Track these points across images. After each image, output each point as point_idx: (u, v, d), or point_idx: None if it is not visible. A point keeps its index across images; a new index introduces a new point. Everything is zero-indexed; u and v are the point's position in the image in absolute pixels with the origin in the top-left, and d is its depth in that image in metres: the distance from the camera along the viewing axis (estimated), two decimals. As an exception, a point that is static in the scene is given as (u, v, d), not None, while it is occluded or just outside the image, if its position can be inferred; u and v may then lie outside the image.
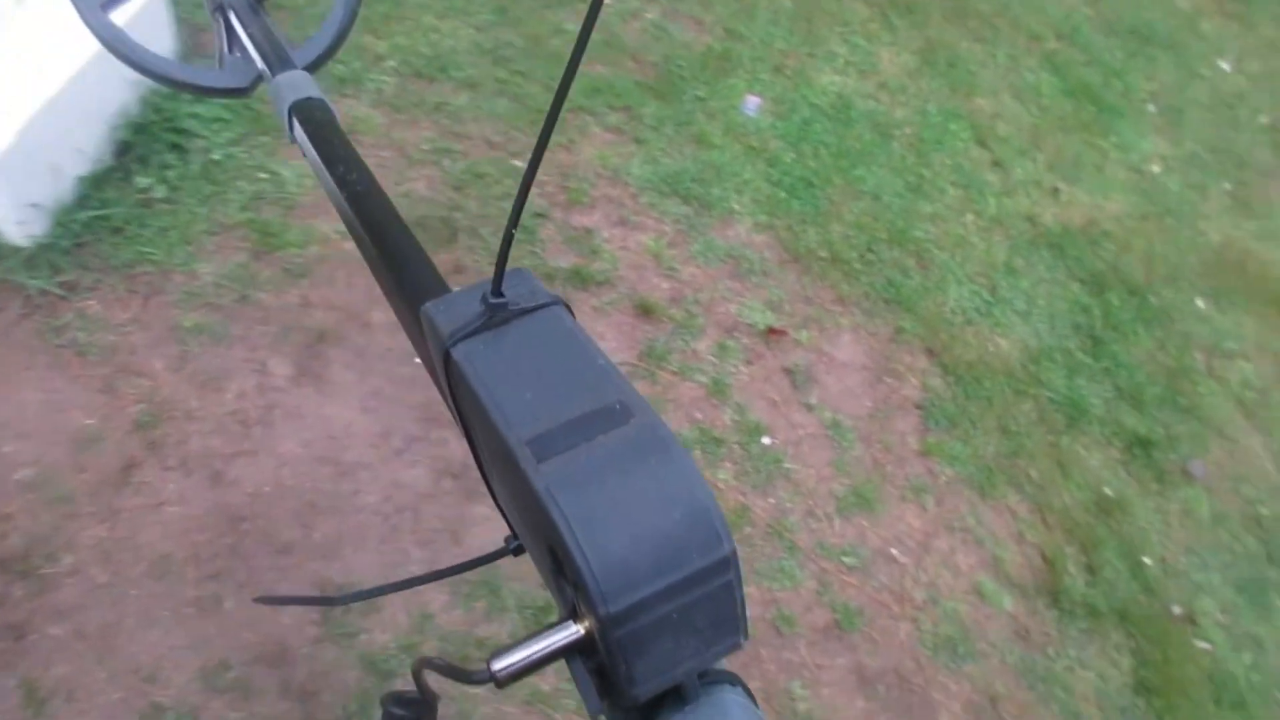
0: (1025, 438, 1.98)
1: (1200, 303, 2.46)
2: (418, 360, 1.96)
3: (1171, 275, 2.50)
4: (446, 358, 0.34)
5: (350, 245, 2.07)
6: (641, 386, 1.88)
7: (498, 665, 0.29)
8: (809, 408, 1.93)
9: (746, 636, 0.30)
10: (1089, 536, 1.86)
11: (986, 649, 1.65)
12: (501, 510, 0.39)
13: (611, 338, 1.94)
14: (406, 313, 0.42)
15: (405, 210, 2.20)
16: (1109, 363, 2.19)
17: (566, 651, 0.29)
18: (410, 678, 0.37)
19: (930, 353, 2.10)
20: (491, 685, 0.29)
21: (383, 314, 1.87)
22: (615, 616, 0.27)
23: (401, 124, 2.21)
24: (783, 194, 2.31)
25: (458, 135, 2.22)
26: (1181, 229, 2.67)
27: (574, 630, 0.29)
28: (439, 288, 0.42)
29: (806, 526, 1.75)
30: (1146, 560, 1.86)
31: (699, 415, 1.88)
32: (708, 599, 0.28)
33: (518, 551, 0.40)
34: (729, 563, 0.29)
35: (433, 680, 0.36)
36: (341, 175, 0.48)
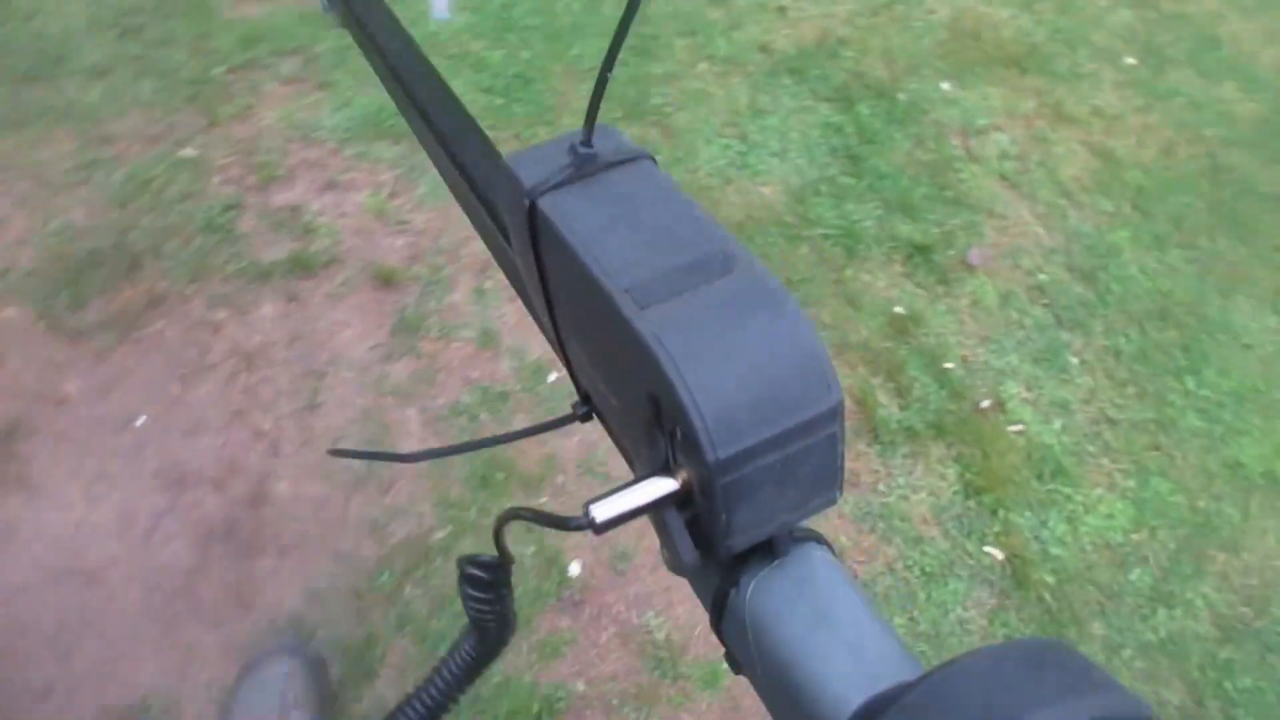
0: (810, 284, 1.95)
1: (945, 85, 2.46)
2: (139, 422, 1.79)
3: (912, 66, 2.48)
4: (532, 210, 0.33)
5: (4, 313, 1.78)
6: (406, 365, 1.71)
7: (597, 512, 0.29)
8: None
9: (841, 492, 0.30)
10: (891, 361, 1.87)
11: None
12: (574, 376, 0.39)
13: (356, 322, 1.75)
14: (463, 184, 0.42)
15: (68, 246, 1.89)
16: (872, 178, 2.16)
17: (664, 502, 0.29)
18: (492, 537, 0.36)
19: (698, 225, 2.01)
20: (592, 533, 0.29)
21: (79, 381, 1.60)
22: (723, 463, 0.27)
23: (28, 144, 1.85)
24: (500, 100, 2.11)
25: (103, 139, 1.89)
26: (912, 14, 2.64)
27: (671, 483, 0.29)
28: (493, 154, 0.42)
29: (618, 459, 1.67)
30: (949, 365, 1.89)
31: (475, 374, 1.73)
32: (812, 450, 0.28)
33: (585, 418, 0.39)
34: (836, 413, 0.28)
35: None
36: (383, 44, 0.48)
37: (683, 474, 0.29)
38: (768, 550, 0.30)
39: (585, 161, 0.33)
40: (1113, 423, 1.86)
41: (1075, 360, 1.93)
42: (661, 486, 0.29)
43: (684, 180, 2.04)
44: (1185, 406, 1.89)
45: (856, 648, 0.27)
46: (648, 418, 0.30)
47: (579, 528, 0.29)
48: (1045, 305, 2.01)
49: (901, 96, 2.38)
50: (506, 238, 0.38)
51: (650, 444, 0.30)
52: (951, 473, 1.75)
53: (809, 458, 0.28)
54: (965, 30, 2.62)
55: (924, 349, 1.90)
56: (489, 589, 0.37)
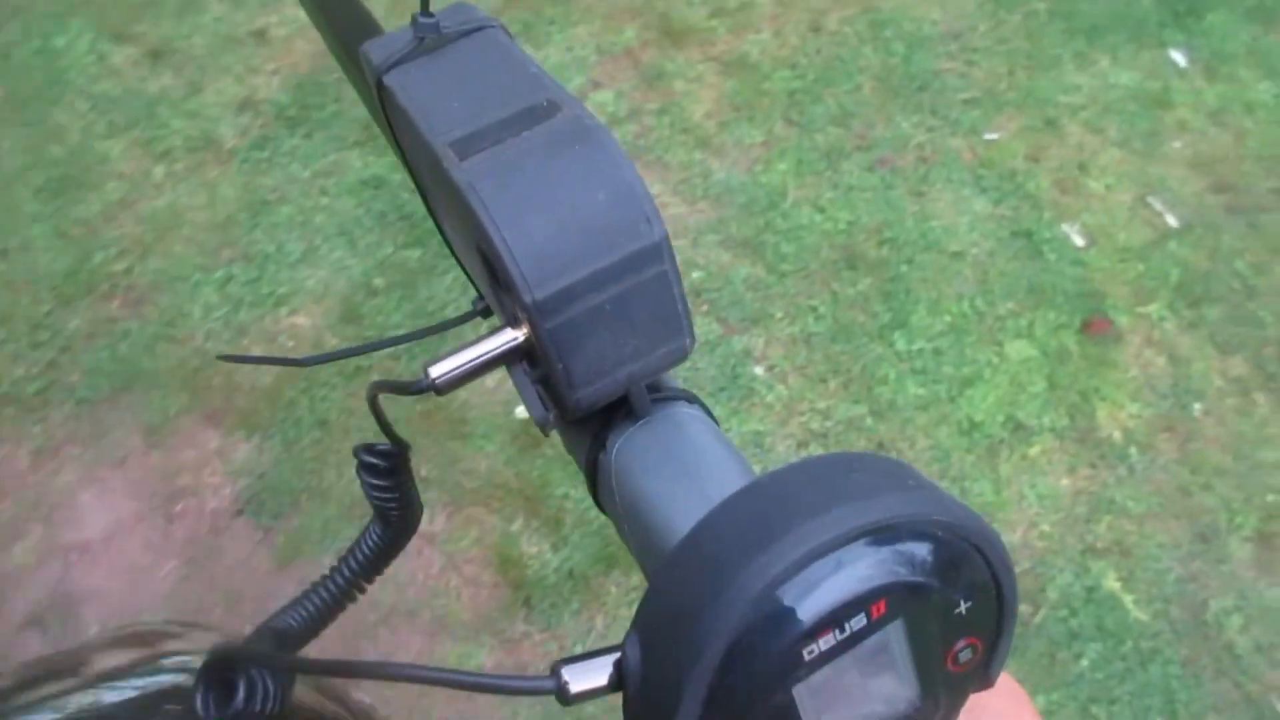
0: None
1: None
2: None
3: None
4: (379, 87, 0.34)
5: None
6: None
7: (436, 372, 0.29)
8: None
9: (693, 339, 0.30)
10: (530, 480, 1.49)
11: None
12: (463, 266, 0.39)
13: None
14: (354, 69, 0.41)
15: None
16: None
17: (506, 358, 0.29)
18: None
19: None
20: (433, 395, 0.29)
21: None
22: (542, 304, 0.27)
23: None
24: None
25: None
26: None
27: (513, 336, 0.29)
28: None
29: None
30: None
31: None
32: (643, 290, 0.28)
33: (485, 313, 0.38)
34: (661, 249, 0.28)
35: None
36: None
37: (524, 327, 0.28)
38: (630, 411, 0.30)
39: (427, 33, 0.34)
40: (822, 437, 1.51)
41: (760, 371, 1.57)
42: (501, 341, 0.29)
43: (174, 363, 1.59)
44: (900, 376, 1.54)
45: (707, 483, 0.27)
46: (488, 273, 0.29)
47: (421, 390, 0.29)
48: (706, 312, 1.62)
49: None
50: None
51: (498, 301, 0.30)
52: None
53: (641, 299, 0.28)
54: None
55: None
56: (387, 475, 0.36)
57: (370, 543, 0.37)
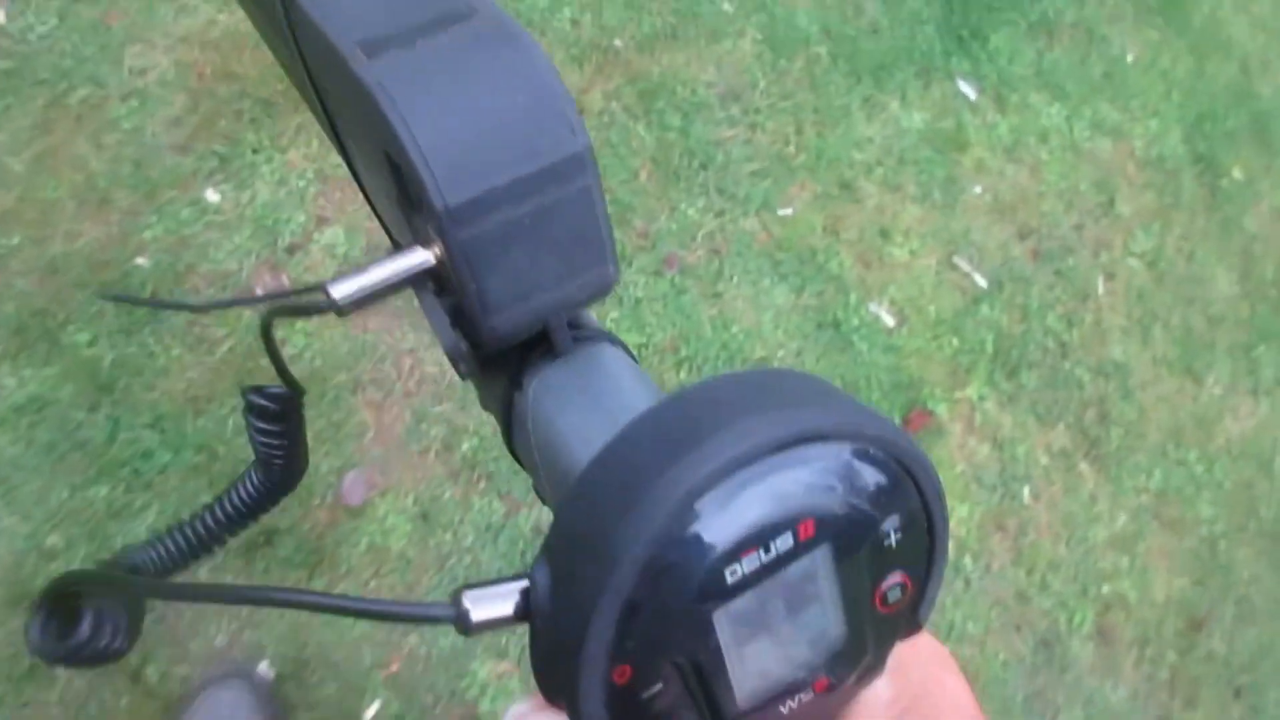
0: None
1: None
2: None
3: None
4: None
5: None
6: None
7: (337, 291, 0.26)
8: None
9: (617, 269, 0.28)
10: None
11: None
12: (377, 213, 0.37)
13: None
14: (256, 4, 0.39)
15: None
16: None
17: (416, 280, 0.27)
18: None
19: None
20: (335, 315, 0.27)
21: None
22: (455, 212, 0.25)
23: None
24: None
25: None
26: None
27: (423, 256, 0.27)
28: None
29: None
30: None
31: None
32: (564, 206, 0.26)
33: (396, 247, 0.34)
34: (584, 160, 0.26)
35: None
36: None
37: (435, 247, 0.26)
38: (549, 349, 0.29)
39: None
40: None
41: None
42: (409, 261, 0.26)
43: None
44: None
45: (621, 417, 0.23)
46: (396, 187, 0.27)
47: (320, 311, 0.27)
48: (484, 490, 1.40)
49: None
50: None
51: (405, 218, 0.28)
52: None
53: (562, 216, 0.26)
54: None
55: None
56: (277, 420, 0.34)
57: (247, 490, 0.35)
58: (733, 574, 0.20)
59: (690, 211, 1.59)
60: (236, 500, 0.35)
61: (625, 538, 0.19)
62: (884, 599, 0.22)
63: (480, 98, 0.25)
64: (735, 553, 0.19)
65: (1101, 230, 1.86)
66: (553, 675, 0.21)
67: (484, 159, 0.25)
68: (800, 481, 0.20)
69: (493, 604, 0.21)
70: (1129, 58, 2.09)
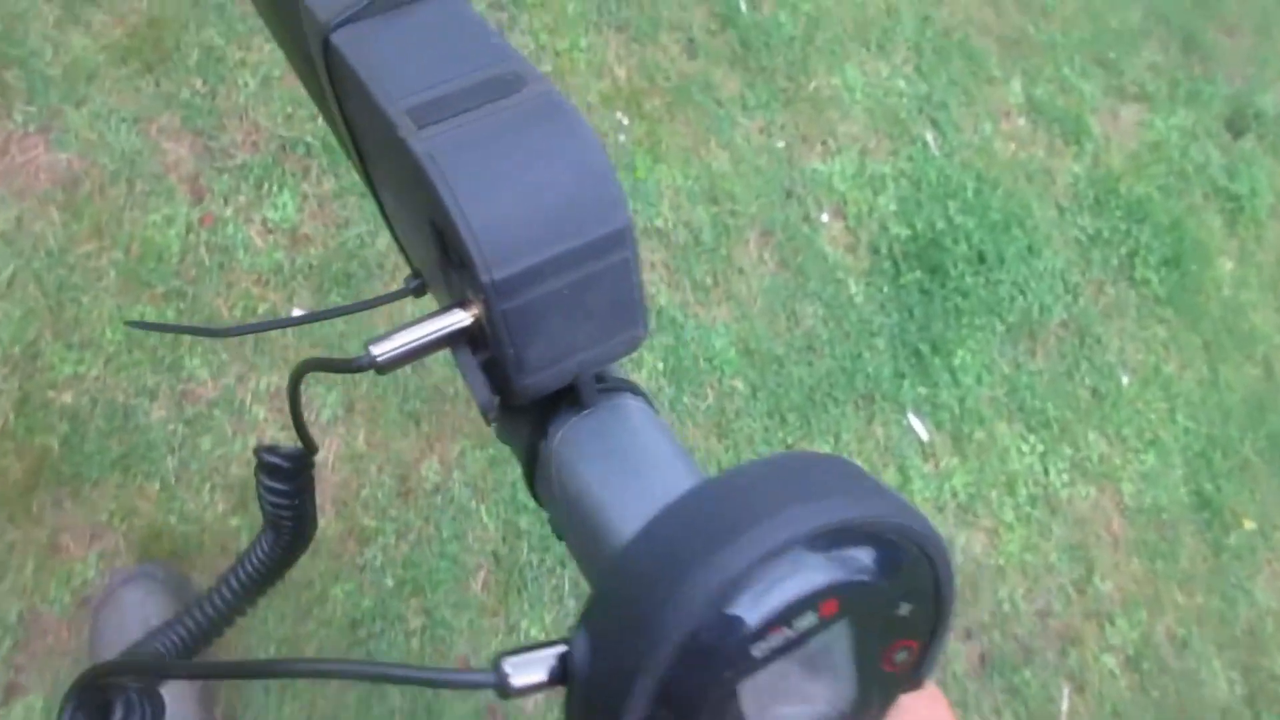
0: None
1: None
2: None
3: None
4: (326, 46, 0.32)
5: None
6: None
7: (378, 350, 0.28)
8: None
9: (647, 329, 0.30)
10: None
11: None
12: (400, 246, 0.38)
13: None
14: (285, 25, 0.39)
15: None
16: None
17: (453, 339, 0.28)
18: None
19: None
20: (374, 374, 0.28)
21: None
22: (501, 284, 0.26)
23: None
24: None
25: None
26: None
27: (461, 317, 0.28)
28: None
29: None
30: None
31: None
32: (603, 276, 0.27)
33: (419, 292, 0.37)
34: (625, 236, 0.27)
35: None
36: None
37: (474, 309, 0.28)
38: (575, 400, 0.30)
39: None
40: None
41: None
42: (448, 321, 0.28)
43: None
44: None
45: (654, 481, 0.27)
46: (438, 250, 0.29)
47: (360, 368, 0.29)
48: None
49: None
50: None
51: (445, 279, 0.29)
52: None
53: (600, 286, 0.27)
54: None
55: None
56: (289, 479, 0.35)
57: (259, 556, 0.35)
58: (759, 650, 0.21)
59: (535, 630, 1.28)
60: (248, 570, 0.35)
61: (666, 621, 0.20)
62: (892, 660, 0.24)
63: (528, 172, 0.26)
64: (764, 632, 0.21)
65: (1072, 618, 1.54)
66: None
67: (530, 233, 0.26)
68: (826, 567, 0.21)
69: (532, 670, 0.23)
70: (1126, 368, 1.77)
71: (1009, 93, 1.98)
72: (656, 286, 1.48)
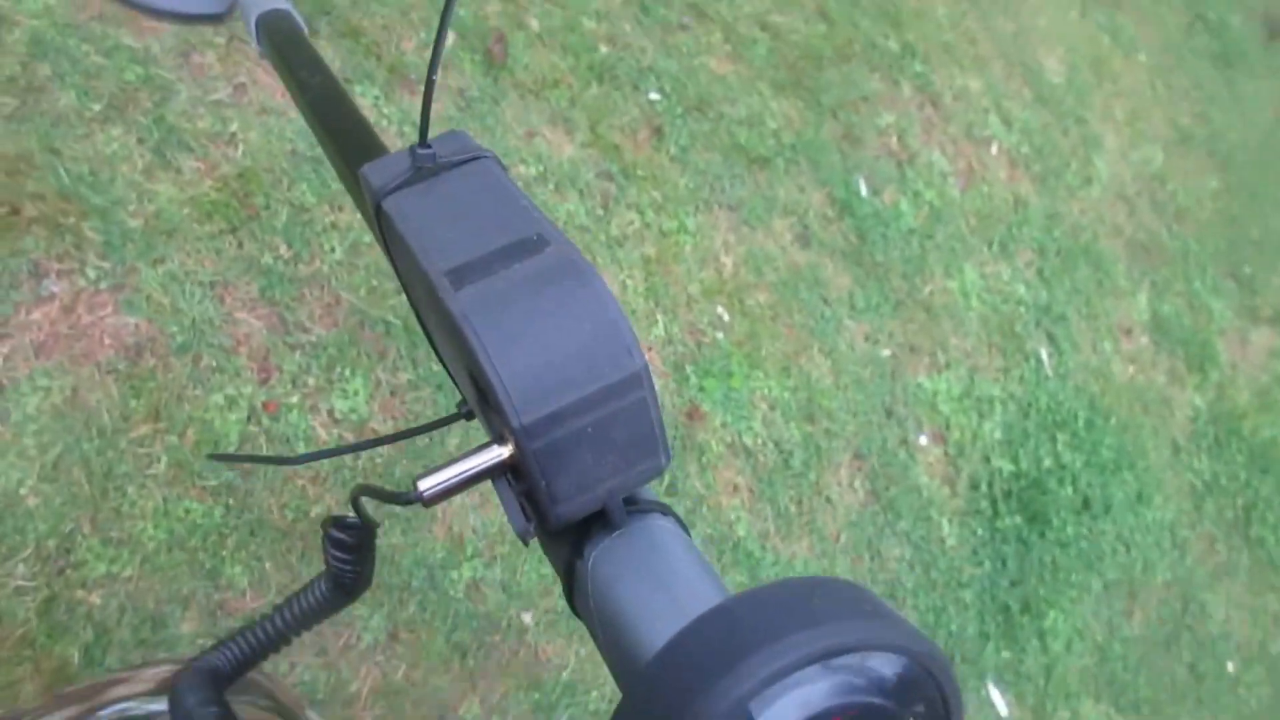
0: None
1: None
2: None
3: None
4: (378, 211, 0.36)
5: None
6: None
7: (424, 485, 0.31)
8: None
9: (669, 457, 0.32)
10: None
11: None
12: (450, 373, 0.42)
13: None
14: (355, 185, 0.44)
15: None
16: None
17: (492, 472, 0.31)
18: (350, 507, 0.39)
19: None
20: (420, 505, 0.32)
21: None
22: (529, 429, 0.29)
23: None
24: None
25: None
26: None
27: (498, 452, 0.31)
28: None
29: None
30: None
31: None
32: (623, 415, 0.30)
33: (470, 416, 0.40)
34: (640, 378, 0.30)
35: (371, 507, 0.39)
36: (304, 79, 0.52)
37: (510, 446, 0.31)
38: (607, 522, 0.32)
39: (423, 163, 0.37)
40: None
41: None
42: (488, 458, 0.31)
43: None
44: None
45: (680, 597, 0.29)
46: (477, 396, 0.32)
47: (409, 502, 0.32)
48: None
49: None
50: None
51: (485, 419, 0.33)
52: None
53: (621, 423, 0.30)
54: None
55: None
56: (353, 551, 0.39)
57: (315, 598, 0.39)
58: None
59: None
60: (303, 607, 0.38)
61: None
62: None
63: (552, 325, 0.29)
64: None
65: None
66: None
67: (554, 380, 0.29)
68: (835, 684, 0.23)
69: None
70: (1230, 642, 1.63)
71: (1134, 307, 1.85)
72: (737, 513, 1.38)
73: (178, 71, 1.35)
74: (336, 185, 1.35)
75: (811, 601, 0.24)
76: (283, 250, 1.30)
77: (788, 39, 1.88)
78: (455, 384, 0.41)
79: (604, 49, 1.61)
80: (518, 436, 0.29)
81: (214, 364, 1.22)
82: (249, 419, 1.21)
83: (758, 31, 1.87)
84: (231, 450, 1.19)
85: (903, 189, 1.75)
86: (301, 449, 1.22)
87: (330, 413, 1.25)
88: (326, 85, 0.52)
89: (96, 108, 1.29)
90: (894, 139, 1.82)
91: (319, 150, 1.38)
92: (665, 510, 0.34)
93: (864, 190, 1.72)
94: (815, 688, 0.23)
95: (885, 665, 0.24)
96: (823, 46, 1.91)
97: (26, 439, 1.13)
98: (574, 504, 0.31)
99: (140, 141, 1.29)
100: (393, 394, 1.29)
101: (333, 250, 1.33)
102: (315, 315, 1.29)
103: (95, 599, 1.10)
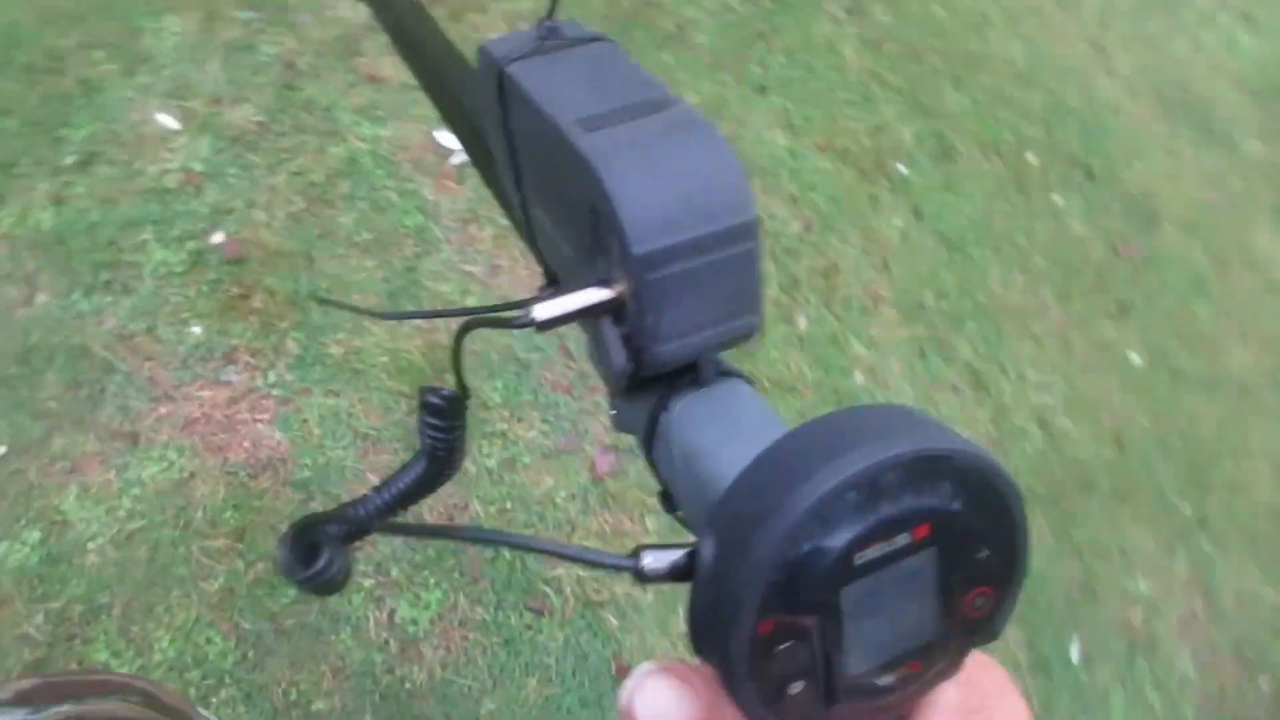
0: None
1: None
2: None
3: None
4: (501, 78, 0.38)
5: None
6: None
7: (540, 313, 0.33)
8: None
9: (762, 320, 0.34)
10: None
11: None
12: (539, 257, 0.43)
13: None
14: (441, 96, 0.49)
15: None
16: None
17: (600, 309, 0.33)
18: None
19: None
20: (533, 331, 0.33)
21: None
22: (646, 258, 0.30)
23: None
24: None
25: None
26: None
27: (607, 292, 0.32)
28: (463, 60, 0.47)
29: None
30: None
31: None
32: (732, 262, 0.31)
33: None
34: (753, 228, 0.32)
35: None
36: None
37: (619, 287, 0.32)
38: (694, 378, 0.34)
39: (550, 35, 0.38)
40: None
41: None
42: (599, 294, 0.32)
43: None
44: None
45: (764, 438, 0.29)
46: (590, 236, 0.33)
47: (523, 325, 0.33)
48: None
49: None
50: (474, 121, 0.43)
51: (592, 262, 0.34)
52: None
53: (728, 271, 0.31)
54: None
55: None
56: (446, 417, 0.40)
57: (411, 476, 0.41)
58: (860, 558, 0.24)
59: None
60: (400, 486, 0.39)
61: (786, 512, 0.23)
62: (972, 605, 0.26)
63: (675, 169, 0.31)
64: (865, 540, 0.24)
65: None
66: (709, 622, 0.25)
67: (674, 218, 0.30)
68: (923, 491, 0.24)
69: (666, 559, 0.27)
70: None
71: None
72: None
73: (450, 234, 1.41)
74: (528, 397, 1.33)
75: (905, 418, 0.25)
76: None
77: (1061, 449, 1.68)
78: (540, 260, 0.43)
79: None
80: (634, 266, 0.30)
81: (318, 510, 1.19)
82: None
83: (1033, 426, 1.69)
84: (277, 606, 1.13)
85: (1122, 677, 1.46)
86: (345, 635, 1.15)
87: (391, 614, 1.17)
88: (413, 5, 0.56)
89: (367, 237, 1.37)
90: (1138, 614, 1.54)
91: (530, 355, 1.37)
92: (747, 379, 0.35)
93: (1075, 655, 1.44)
94: (904, 491, 0.24)
95: (976, 482, 0.25)
96: (1100, 475, 1.68)
97: (125, 500, 1.15)
98: (673, 346, 0.32)
99: (384, 280, 1.34)
100: (460, 624, 1.19)
101: (489, 456, 1.29)
102: (439, 511, 1.24)
103: (81, 683, 1.06)
